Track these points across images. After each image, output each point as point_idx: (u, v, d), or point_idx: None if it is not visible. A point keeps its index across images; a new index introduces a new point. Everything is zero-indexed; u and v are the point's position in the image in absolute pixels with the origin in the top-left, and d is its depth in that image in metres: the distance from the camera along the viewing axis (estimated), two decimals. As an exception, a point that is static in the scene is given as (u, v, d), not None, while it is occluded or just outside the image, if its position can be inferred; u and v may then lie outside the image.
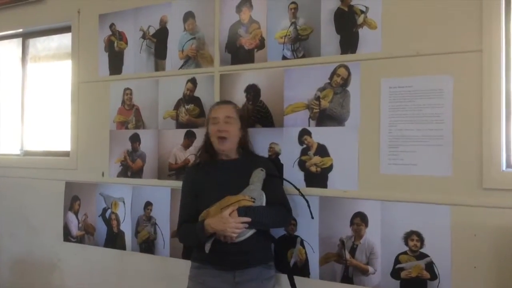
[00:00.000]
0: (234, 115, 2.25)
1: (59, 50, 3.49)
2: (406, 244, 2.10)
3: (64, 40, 3.41)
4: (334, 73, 2.27)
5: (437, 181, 2.05)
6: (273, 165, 2.32)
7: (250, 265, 2.12)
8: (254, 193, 2.08)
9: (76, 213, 3.14)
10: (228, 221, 1.99)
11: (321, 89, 2.30)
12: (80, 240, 3.12)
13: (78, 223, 3.13)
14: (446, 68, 2.04)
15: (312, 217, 2.21)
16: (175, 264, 2.71)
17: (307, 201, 2.18)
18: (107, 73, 3.04)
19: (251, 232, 2.06)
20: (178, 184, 2.65)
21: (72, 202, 3.16)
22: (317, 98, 2.31)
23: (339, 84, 2.26)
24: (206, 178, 2.23)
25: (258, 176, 2.13)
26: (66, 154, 3.26)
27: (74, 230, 3.15)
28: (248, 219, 2.01)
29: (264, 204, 2.09)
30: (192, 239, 2.16)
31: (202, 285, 2.14)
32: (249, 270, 2.11)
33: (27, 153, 3.58)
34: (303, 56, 2.36)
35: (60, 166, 3.25)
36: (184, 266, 2.46)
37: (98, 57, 3.08)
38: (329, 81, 2.28)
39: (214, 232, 2.03)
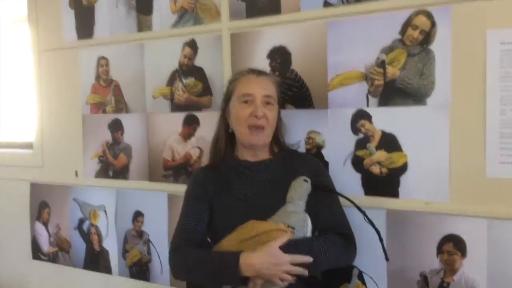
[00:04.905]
0: (275, 95, 1.55)
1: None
2: (529, 283, 1.39)
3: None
4: (408, 24, 1.52)
5: None
6: (324, 168, 1.62)
7: None
8: (294, 218, 1.37)
9: (45, 224, 2.46)
10: (283, 261, 1.30)
11: (387, 50, 1.56)
12: (53, 258, 2.45)
13: (49, 236, 2.44)
14: None
15: (387, 259, 1.46)
16: (178, 295, 2.04)
17: (377, 232, 1.43)
18: (75, 37, 2.31)
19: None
20: (178, 188, 2.01)
21: (40, 209, 2.49)
22: (381, 64, 1.57)
23: (416, 41, 1.51)
24: (223, 189, 1.52)
25: (300, 190, 1.41)
26: (29, 146, 2.56)
27: (45, 246, 2.47)
28: (308, 259, 1.31)
29: (308, 233, 1.39)
30: (205, 274, 1.43)
31: None
32: None
33: (-19, 145, 2.86)
34: (357, 1, 1.60)
35: (23, 163, 2.58)
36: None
37: (62, 16, 2.35)
38: (400, 37, 1.54)
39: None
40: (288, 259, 1.29)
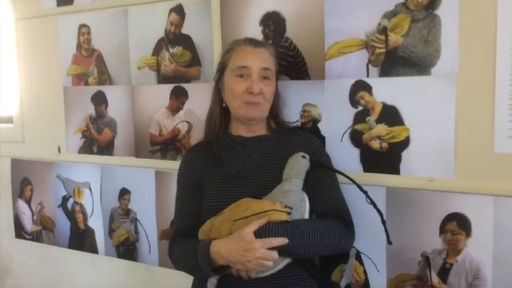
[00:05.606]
0: (274, 68, 1.43)
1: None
2: (537, 265, 1.31)
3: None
4: (412, -14, 1.40)
5: None
6: (324, 147, 1.52)
7: None
8: (291, 198, 1.27)
9: (28, 202, 2.35)
10: (252, 246, 1.18)
11: (390, 15, 1.43)
12: (36, 237, 2.34)
13: (32, 215, 2.33)
14: None
15: (390, 242, 1.37)
16: (166, 276, 1.96)
17: (380, 214, 1.33)
18: (54, 4, 2.16)
19: (284, 262, 1.28)
20: (165, 164, 1.90)
21: (22, 186, 2.36)
22: (383, 30, 1.44)
23: (421, 5, 1.39)
24: (215, 166, 1.43)
25: (297, 166, 1.31)
26: (8, 120, 2.43)
27: (28, 224, 2.36)
28: (284, 241, 1.21)
29: (306, 214, 1.29)
30: (190, 267, 1.37)
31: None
32: None
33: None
34: (358, -40, 1.47)
35: (3, 138, 2.46)
36: (178, 280, 1.76)
37: (40, -20, 2.19)
38: (403, 0, 1.41)
39: (225, 265, 1.25)
40: (259, 244, 1.17)
